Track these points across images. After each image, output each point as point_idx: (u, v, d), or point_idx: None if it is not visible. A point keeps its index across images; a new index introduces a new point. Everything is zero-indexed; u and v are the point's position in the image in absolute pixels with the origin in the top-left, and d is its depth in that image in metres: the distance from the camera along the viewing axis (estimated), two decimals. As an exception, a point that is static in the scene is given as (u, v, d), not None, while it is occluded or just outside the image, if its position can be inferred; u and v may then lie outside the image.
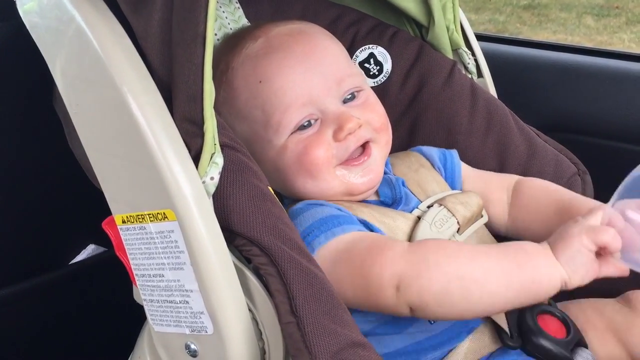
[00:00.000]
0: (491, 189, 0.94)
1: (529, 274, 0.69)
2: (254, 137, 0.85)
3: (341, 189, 0.84)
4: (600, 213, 0.70)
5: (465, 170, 0.97)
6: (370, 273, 0.72)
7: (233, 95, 0.86)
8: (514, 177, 0.97)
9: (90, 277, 1.33)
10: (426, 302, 0.70)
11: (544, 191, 0.93)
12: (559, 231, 0.72)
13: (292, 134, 0.84)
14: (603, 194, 1.01)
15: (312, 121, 0.84)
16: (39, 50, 0.76)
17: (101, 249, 1.36)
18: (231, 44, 0.90)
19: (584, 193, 1.00)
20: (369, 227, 0.81)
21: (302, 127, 0.84)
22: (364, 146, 0.86)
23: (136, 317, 0.91)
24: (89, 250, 1.36)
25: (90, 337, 1.32)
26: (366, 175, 0.85)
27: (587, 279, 0.70)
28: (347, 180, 0.84)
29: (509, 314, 0.79)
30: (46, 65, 0.75)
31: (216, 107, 0.69)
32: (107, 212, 0.75)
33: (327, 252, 0.75)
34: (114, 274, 0.90)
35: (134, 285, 0.83)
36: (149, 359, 0.86)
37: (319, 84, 0.84)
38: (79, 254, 1.35)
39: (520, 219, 0.92)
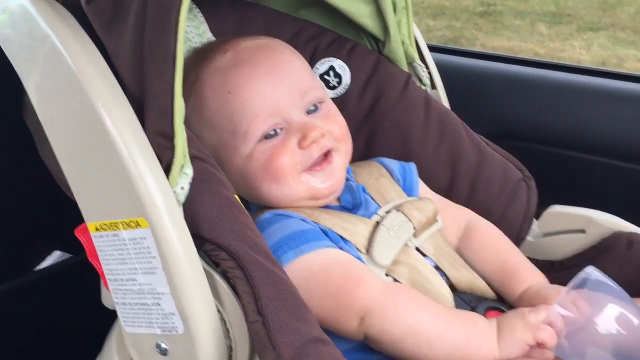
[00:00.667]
0: (444, 218, 0.96)
1: (472, 349, 0.75)
2: (221, 145, 0.88)
3: (306, 194, 0.88)
4: (543, 312, 0.76)
5: (423, 191, 1.01)
6: (344, 300, 0.78)
7: (202, 105, 0.89)
8: (467, 214, 1.00)
9: (56, 284, 1.32)
10: (381, 341, 0.77)
11: (493, 247, 0.96)
12: (508, 318, 0.77)
13: (258, 142, 0.87)
14: (546, 199, 1.08)
15: (278, 130, 0.87)
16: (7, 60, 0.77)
17: (67, 255, 1.36)
18: (200, 56, 0.93)
19: (528, 198, 1.04)
20: (330, 237, 0.84)
21: (268, 136, 0.87)
22: (326, 155, 0.89)
23: (102, 322, 0.92)
24: (55, 256, 1.36)
25: (55, 344, 1.31)
26: (328, 180, 0.89)
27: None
28: (312, 185, 0.88)
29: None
30: (16, 76, 0.76)
31: (185, 116, 0.72)
32: (74, 217, 0.76)
33: (297, 268, 0.78)
34: (79, 280, 0.92)
35: (102, 290, 0.85)
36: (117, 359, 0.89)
37: (285, 95, 0.88)
38: (44, 260, 1.35)
39: (464, 255, 0.95)
